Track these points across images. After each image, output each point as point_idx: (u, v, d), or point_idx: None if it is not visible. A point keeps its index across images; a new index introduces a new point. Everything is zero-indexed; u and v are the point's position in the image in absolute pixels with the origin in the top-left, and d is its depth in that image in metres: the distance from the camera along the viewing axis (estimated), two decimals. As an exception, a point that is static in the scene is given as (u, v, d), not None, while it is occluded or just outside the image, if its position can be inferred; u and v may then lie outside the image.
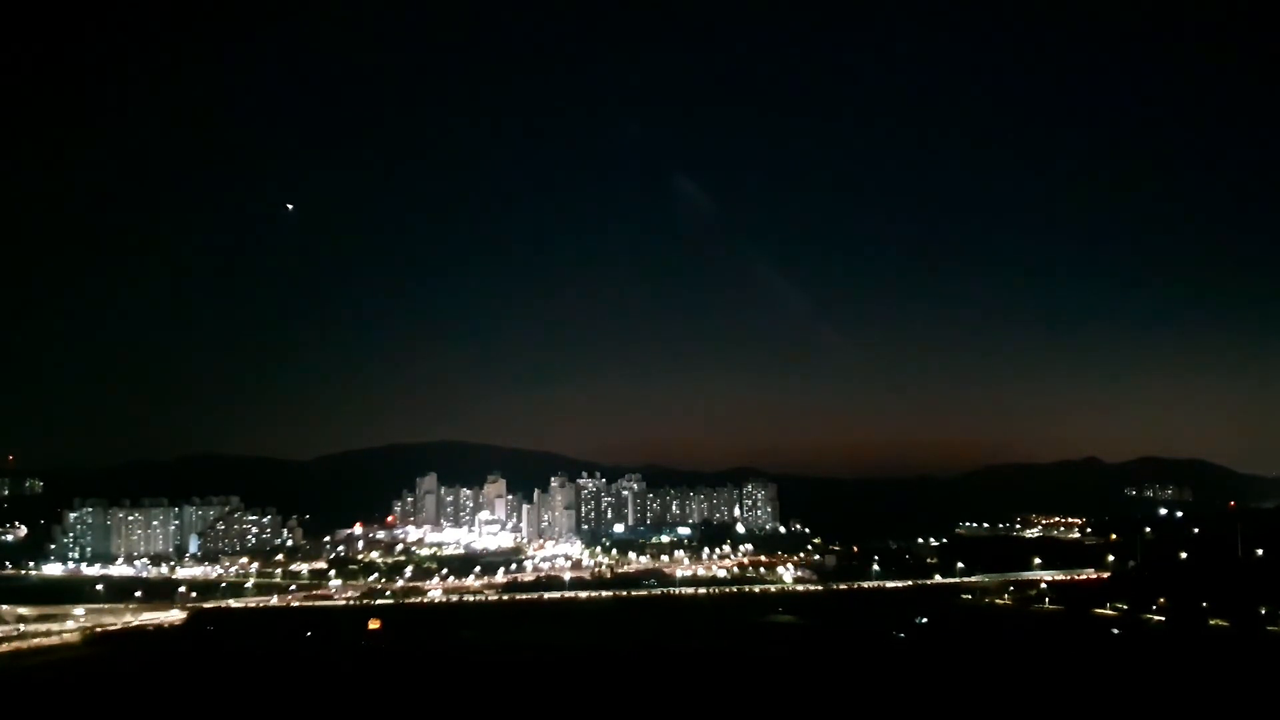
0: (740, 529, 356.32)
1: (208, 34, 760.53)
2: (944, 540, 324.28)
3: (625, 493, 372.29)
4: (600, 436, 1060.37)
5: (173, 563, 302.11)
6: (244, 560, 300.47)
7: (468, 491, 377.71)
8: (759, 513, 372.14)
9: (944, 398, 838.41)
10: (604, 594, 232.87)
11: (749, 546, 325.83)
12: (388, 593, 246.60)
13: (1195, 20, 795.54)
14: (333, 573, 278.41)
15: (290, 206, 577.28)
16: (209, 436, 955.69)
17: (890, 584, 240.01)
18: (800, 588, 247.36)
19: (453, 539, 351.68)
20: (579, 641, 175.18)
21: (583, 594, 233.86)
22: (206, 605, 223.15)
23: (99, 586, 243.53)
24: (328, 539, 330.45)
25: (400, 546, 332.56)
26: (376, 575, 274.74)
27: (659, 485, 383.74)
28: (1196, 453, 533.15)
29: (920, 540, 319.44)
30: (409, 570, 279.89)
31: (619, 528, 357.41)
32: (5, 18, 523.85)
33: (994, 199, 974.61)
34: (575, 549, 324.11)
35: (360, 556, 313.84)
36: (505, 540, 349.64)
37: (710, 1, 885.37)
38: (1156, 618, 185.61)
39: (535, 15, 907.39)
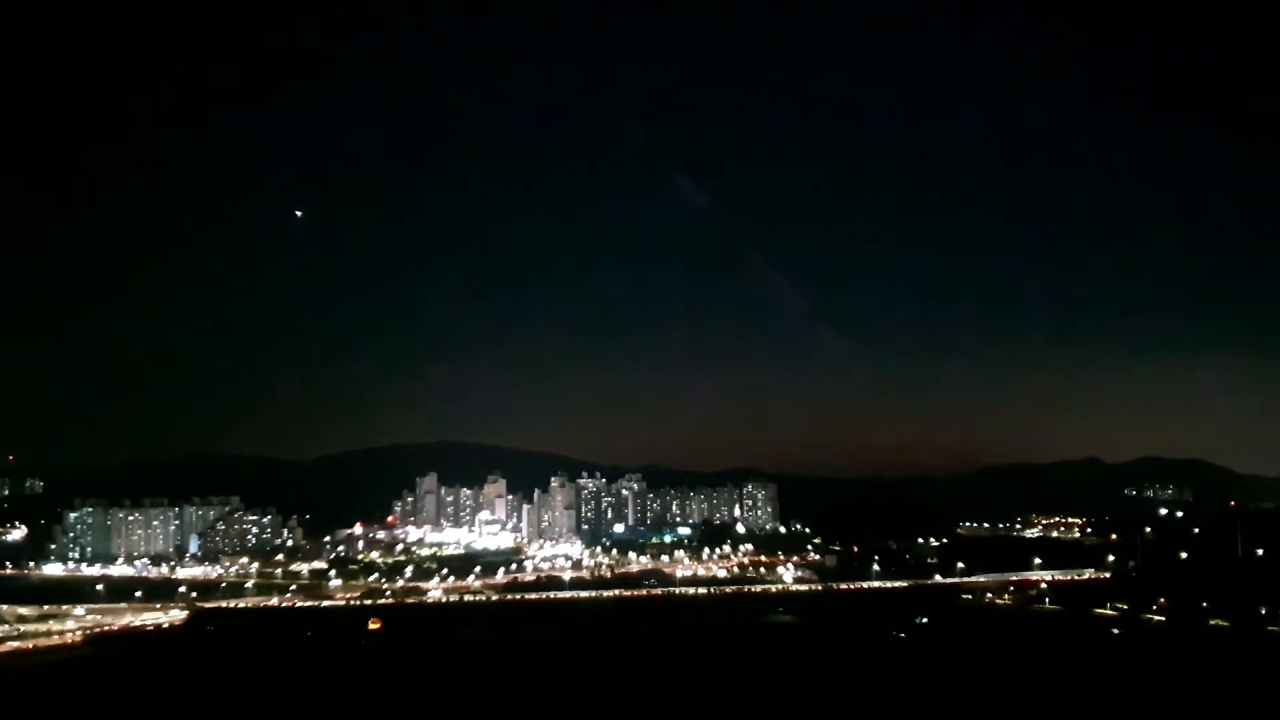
0: (740, 529, 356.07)
1: (210, 37, 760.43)
2: (944, 540, 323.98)
3: (625, 493, 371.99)
4: (600, 436, 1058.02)
5: (173, 563, 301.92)
6: (244, 560, 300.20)
7: (468, 491, 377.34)
8: (759, 513, 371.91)
9: (944, 398, 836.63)
10: (604, 594, 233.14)
11: (749, 546, 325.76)
12: (388, 593, 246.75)
13: (1196, 19, 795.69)
14: (333, 573, 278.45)
15: (299, 213, 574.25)
16: (209, 436, 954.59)
17: (890, 584, 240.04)
18: (800, 588, 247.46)
19: (453, 539, 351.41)
20: (579, 641, 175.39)
21: (583, 594, 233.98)
22: (207, 605, 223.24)
23: (99, 586, 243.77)
24: (328, 539, 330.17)
25: (400, 546, 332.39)
26: (376, 575, 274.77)
27: (659, 485, 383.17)
28: (1196, 453, 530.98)
29: (920, 540, 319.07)
30: (409, 570, 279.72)
31: (619, 528, 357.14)
32: (10, 18, 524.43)
33: (994, 198, 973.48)
34: (575, 549, 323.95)
35: (360, 556, 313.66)
36: (505, 540, 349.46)
37: (711, 1, 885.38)
38: (1157, 618, 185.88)
39: (534, 15, 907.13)
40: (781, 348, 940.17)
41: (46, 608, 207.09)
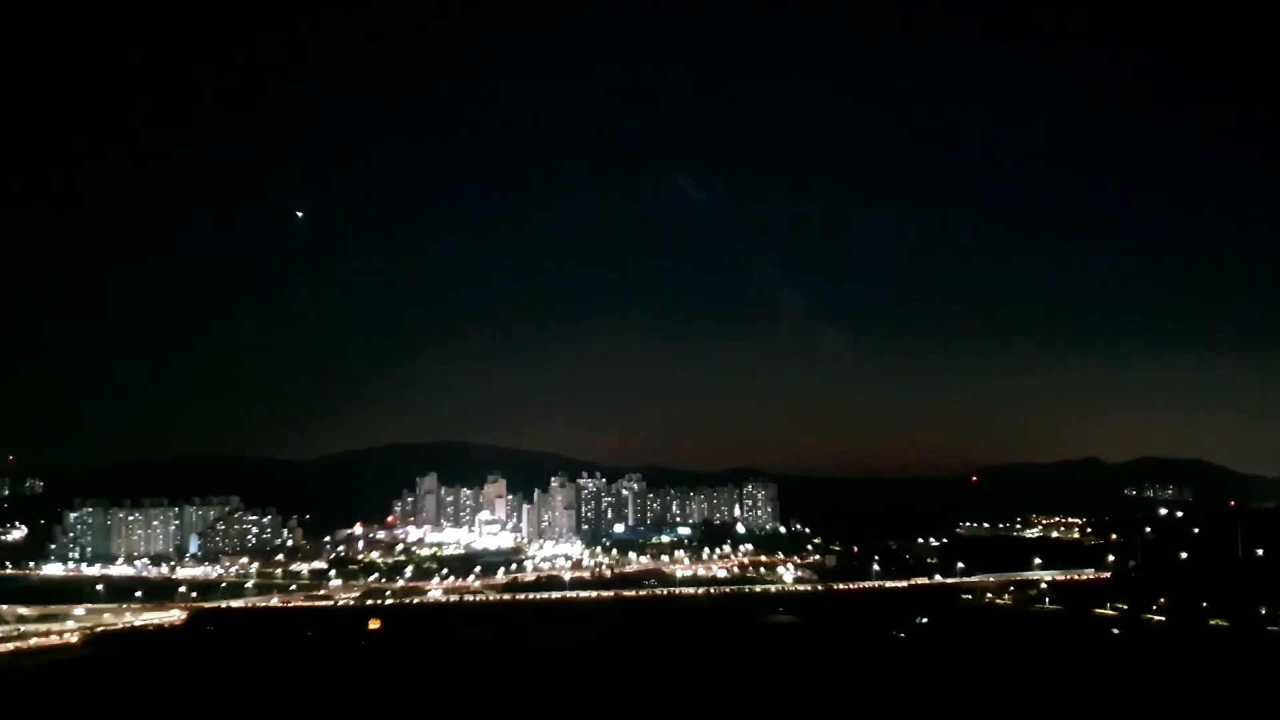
0: (740, 529, 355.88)
1: (212, 36, 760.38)
2: (944, 540, 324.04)
3: (625, 493, 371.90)
4: (600, 436, 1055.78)
5: (173, 563, 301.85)
6: (244, 560, 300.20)
7: (468, 491, 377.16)
8: (759, 513, 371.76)
9: (944, 398, 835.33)
10: (604, 594, 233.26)
11: (749, 546, 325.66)
12: (388, 593, 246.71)
13: (1197, 19, 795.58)
14: (333, 573, 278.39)
15: (299, 213, 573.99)
16: (209, 436, 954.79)
17: (890, 584, 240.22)
18: (800, 588, 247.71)
19: (453, 539, 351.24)
20: (580, 641, 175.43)
21: (583, 594, 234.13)
22: (207, 605, 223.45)
23: (99, 586, 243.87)
24: (328, 539, 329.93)
25: (400, 546, 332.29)
26: (376, 575, 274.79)
27: (659, 485, 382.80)
28: (1196, 453, 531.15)
29: (920, 540, 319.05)
30: (409, 570, 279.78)
31: (619, 528, 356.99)
32: (14, 17, 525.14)
33: (994, 198, 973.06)
34: (575, 549, 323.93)
35: (360, 556, 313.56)
36: (505, 540, 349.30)
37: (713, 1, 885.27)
38: (1157, 618, 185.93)
39: (534, 14, 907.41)
40: (782, 348, 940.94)
41: (46, 608, 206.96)
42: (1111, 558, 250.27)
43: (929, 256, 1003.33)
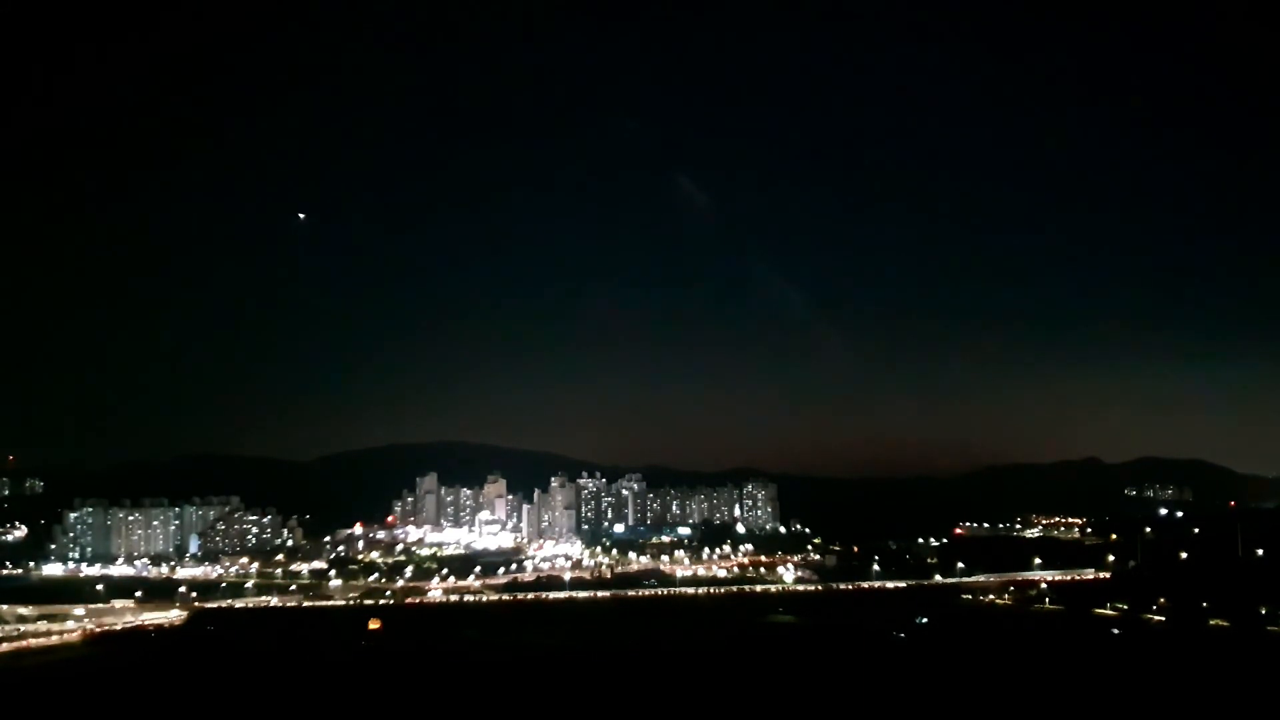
0: (740, 529, 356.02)
1: (211, 35, 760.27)
2: (944, 540, 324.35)
3: (625, 493, 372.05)
4: (600, 436, 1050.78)
5: (173, 563, 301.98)
6: (244, 560, 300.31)
7: (468, 491, 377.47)
8: (759, 513, 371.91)
9: (944, 398, 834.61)
10: (604, 594, 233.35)
11: (749, 546, 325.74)
12: (388, 593, 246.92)
13: (1195, 20, 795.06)
14: (333, 573, 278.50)
15: (301, 215, 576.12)
16: (209, 436, 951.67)
17: (890, 584, 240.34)
18: (800, 588, 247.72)
19: (453, 539, 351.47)
20: (579, 642, 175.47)
21: (583, 594, 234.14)
22: (207, 605, 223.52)
23: (99, 586, 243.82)
24: (328, 539, 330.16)
25: (400, 546, 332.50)
26: (376, 575, 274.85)
27: (659, 485, 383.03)
28: (1196, 453, 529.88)
29: (920, 540, 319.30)
30: (409, 570, 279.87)
31: (619, 528, 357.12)
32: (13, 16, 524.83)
33: (993, 199, 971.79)
34: (575, 549, 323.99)
35: (360, 556, 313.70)
36: (505, 540, 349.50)
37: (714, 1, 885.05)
38: (1157, 618, 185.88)
39: (534, 14, 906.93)
40: (782, 348, 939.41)
41: (46, 608, 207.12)
42: (1111, 558, 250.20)
43: (928, 256, 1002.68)
